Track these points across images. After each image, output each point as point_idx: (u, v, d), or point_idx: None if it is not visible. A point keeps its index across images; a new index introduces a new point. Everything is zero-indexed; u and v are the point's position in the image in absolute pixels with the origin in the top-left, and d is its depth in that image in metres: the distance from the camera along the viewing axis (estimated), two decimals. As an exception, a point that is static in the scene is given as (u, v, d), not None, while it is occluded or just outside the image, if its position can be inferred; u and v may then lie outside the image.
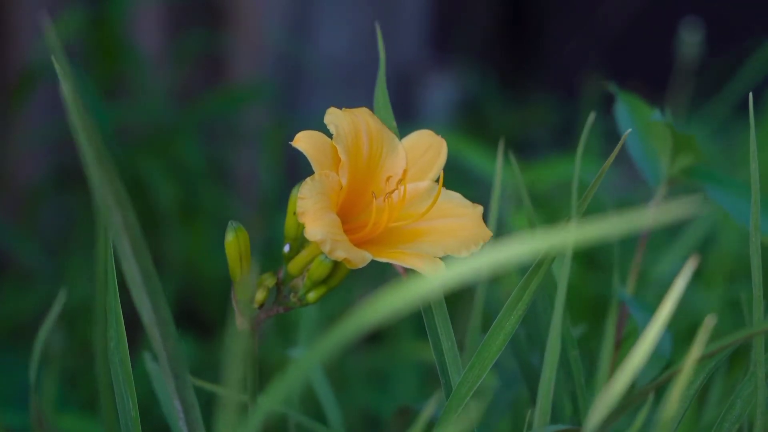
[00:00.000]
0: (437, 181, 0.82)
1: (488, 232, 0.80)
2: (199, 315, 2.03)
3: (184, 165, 2.13)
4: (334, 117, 0.78)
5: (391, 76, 2.88)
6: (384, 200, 0.79)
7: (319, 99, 2.66)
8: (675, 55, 2.23)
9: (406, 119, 2.89)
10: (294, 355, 1.09)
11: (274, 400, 0.60)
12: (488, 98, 3.14)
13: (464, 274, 0.56)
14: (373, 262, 0.75)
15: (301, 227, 0.79)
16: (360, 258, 0.74)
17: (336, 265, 0.77)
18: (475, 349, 0.92)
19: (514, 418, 1.16)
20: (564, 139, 2.91)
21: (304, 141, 0.77)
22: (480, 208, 0.81)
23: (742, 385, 0.80)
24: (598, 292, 1.64)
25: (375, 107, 0.86)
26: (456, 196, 0.82)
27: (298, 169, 2.45)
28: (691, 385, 0.80)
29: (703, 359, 0.78)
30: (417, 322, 1.79)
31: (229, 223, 0.78)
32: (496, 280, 1.44)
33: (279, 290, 0.80)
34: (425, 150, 0.83)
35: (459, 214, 0.81)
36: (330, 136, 0.78)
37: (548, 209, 1.81)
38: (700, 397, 1.18)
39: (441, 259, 0.78)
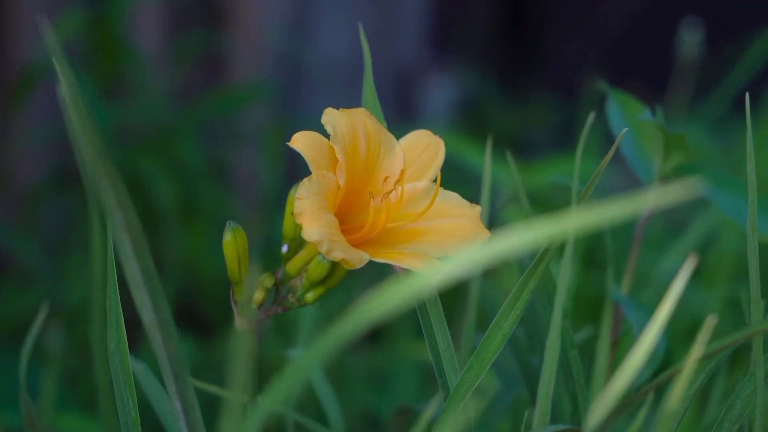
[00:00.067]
0: (435, 181, 0.82)
1: (486, 232, 0.80)
2: (199, 315, 2.03)
3: (184, 165, 2.13)
4: (331, 117, 0.78)
5: (391, 76, 2.88)
6: (381, 201, 0.79)
7: (319, 99, 2.66)
8: (675, 55, 2.23)
9: (406, 119, 2.89)
10: (293, 355, 1.09)
11: (274, 400, 0.60)
12: (488, 98, 3.14)
13: (458, 269, 0.56)
14: (371, 262, 0.75)
15: (299, 228, 0.79)
16: (357, 258, 0.74)
17: (334, 265, 0.77)
18: (470, 348, 0.92)
19: (514, 418, 1.16)
20: (564, 139, 2.91)
21: (301, 141, 0.76)
22: (478, 209, 0.81)
23: (742, 385, 0.80)
24: (598, 291, 1.64)
25: (363, 105, 0.86)
26: (454, 196, 0.81)
27: (298, 169, 2.45)
28: (692, 385, 0.80)
29: (703, 359, 0.78)
30: (416, 321, 1.79)
31: (227, 223, 0.78)
32: (494, 280, 1.44)
33: (277, 290, 0.80)
34: (423, 150, 0.83)
35: (457, 215, 0.81)
36: (327, 136, 0.78)
37: (548, 209, 1.81)
38: (700, 397, 1.18)
39: (439, 259, 0.78)
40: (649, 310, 0.95)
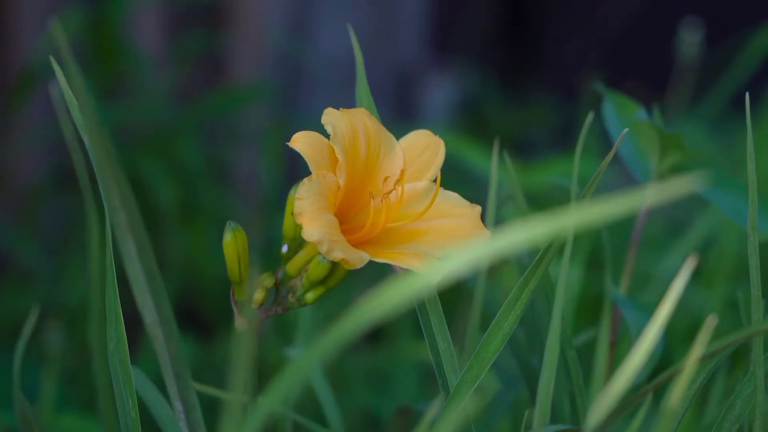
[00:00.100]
0: (435, 180, 0.82)
1: (486, 232, 0.80)
2: (199, 315, 2.03)
3: (184, 165, 2.13)
4: (331, 117, 0.78)
5: (391, 76, 2.88)
6: (382, 201, 0.79)
7: (319, 99, 2.66)
8: (675, 55, 2.23)
9: (406, 119, 2.89)
10: (291, 355, 1.09)
11: (274, 400, 0.60)
12: (488, 98, 3.14)
13: (458, 268, 0.56)
14: (371, 262, 0.75)
15: (299, 228, 0.79)
16: (358, 258, 0.74)
17: (334, 265, 0.77)
18: (473, 348, 0.92)
19: (514, 418, 1.16)
20: (564, 139, 2.91)
21: (301, 141, 0.76)
22: (478, 209, 0.81)
23: (742, 385, 0.80)
24: (600, 292, 1.64)
25: (357, 104, 0.86)
26: (454, 196, 0.81)
27: (298, 169, 2.45)
28: (691, 385, 0.80)
29: (703, 359, 0.78)
30: (416, 321, 1.79)
31: (228, 223, 0.78)
32: (495, 280, 1.44)
33: (278, 290, 0.80)
34: (423, 150, 0.83)
35: (457, 215, 0.81)
36: (327, 136, 0.78)
37: (548, 209, 1.81)
38: (700, 397, 1.18)
39: (439, 259, 0.78)
40: (649, 311, 0.95)
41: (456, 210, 0.81)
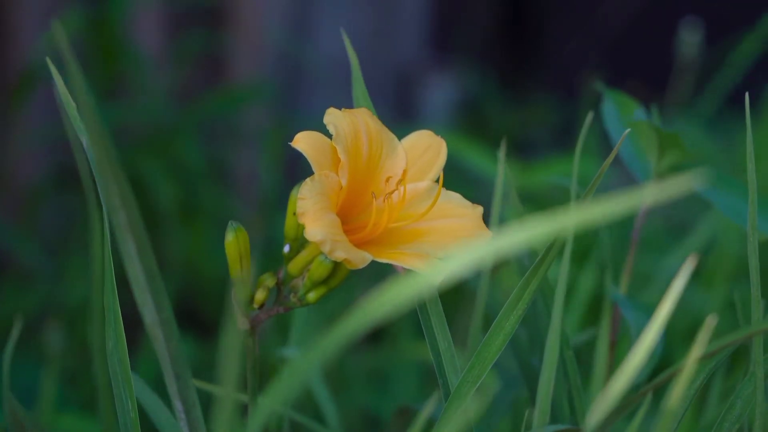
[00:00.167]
0: (437, 181, 0.82)
1: (488, 233, 0.80)
2: (199, 315, 2.03)
3: (184, 165, 2.13)
4: (333, 117, 0.78)
5: (391, 76, 2.88)
6: (384, 201, 0.79)
7: (319, 99, 2.66)
8: (675, 54, 2.23)
9: (406, 119, 2.89)
10: (287, 354, 1.09)
11: (274, 401, 0.60)
12: (488, 98, 3.14)
13: (459, 268, 0.56)
14: (372, 262, 0.75)
15: (301, 228, 0.79)
16: (360, 258, 0.74)
17: (336, 265, 0.77)
18: (476, 348, 0.92)
19: (515, 418, 1.16)
20: (564, 139, 2.91)
21: (303, 141, 0.76)
22: (480, 209, 0.81)
23: (742, 385, 0.80)
24: (598, 290, 1.64)
25: (354, 104, 0.86)
26: (456, 197, 0.82)
27: (298, 169, 2.45)
28: (691, 385, 0.80)
29: (703, 359, 0.78)
30: (417, 321, 1.79)
31: (229, 223, 0.78)
32: (495, 281, 1.44)
33: (279, 290, 0.80)
34: (424, 150, 0.83)
35: (459, 215, 0.81)
36: (329, 136, 0.78)
37: (548, 209, 1.81)
38: (700, 397, 1.18)
39: (441, 259, 0.78)
40: (649, 311, 0.95)
41: (458, 210, 0.81)
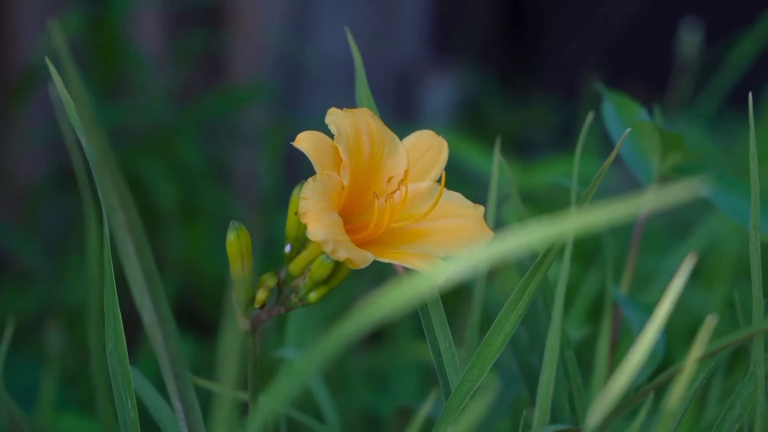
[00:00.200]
0: (438, 181, 0.82)
1: (490, 233, 0.80)
2: (199, 315, 2.03)
3: (184, 165, 2.13)
4: (335, 117, 0.78)
5: (391, 76, 2.88)
6: (385, 201, 0.79)
7: (319, 99, 2.66)
8: (675, 54, 2.23)
9: (406, 119, 2.89)
10: (284, 354, 1.09)
11: (275, 401, 0.60)
12: (488, 98, 3.14)
13: (462, 269, 0.56)
14: (372, 262, 0.75)
15: (302, 227, 0.79)
16: (362, 258, 0.74)
17: (337, 265, 0.77)
18: (473, 348, 0.92)
19: (515, 418, 1.16)
20: (564, 139, 2.91)
21: (305, 141, 0.76)
22: (481, 209, 0.81)
23: (742, 385, 0.80)
24: (600, 291, 1.64)
25: (357, 104, 0.86)
26: (457, 197, 0.82)
27: (298, 169, 2.45)
28: (691, 385, 0.80)
29: (703, 359, 0.78)
30: (417, 321, 1.79)
31: (231, 223, 0.78)
32: (496, 281, 1.44)
33: (280, 290, 0.80)
34: (426, 150, 0.83)
35: (461, 215, 0.81)
36: (331, 136, 0.78)
37: (549, 209, 1.81)
38: (700, 397, 1.18)
39: (443, 259, 0.78)
40: (650, 311, 0.95)
41: (459, 210, 0.81)
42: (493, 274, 1.30)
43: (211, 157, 2.32)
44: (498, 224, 1.45)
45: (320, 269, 0.77)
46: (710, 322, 0.66)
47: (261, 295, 0.79)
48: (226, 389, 0.60)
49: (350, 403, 1.67)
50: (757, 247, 0.79)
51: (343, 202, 0.78)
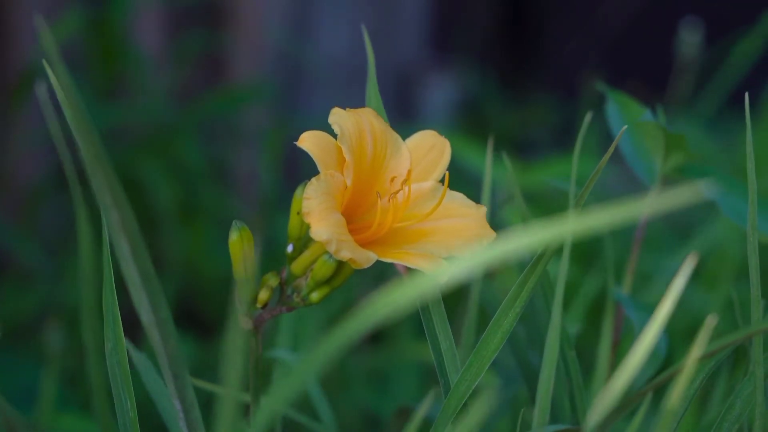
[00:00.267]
0: (441, 181, 0.82)
1: (492, 233, 0.80)
2: (199, 315, 2.03)
3: (184, 165, 2.13)
4: (338, 117, 0.78)
5: (391, 76, 2.88)
6: (388, 200, 0.79)
7: (320, 99, 2.66)
8: (675, 54, 2.23)
9: (406, 119, 2.89)
10: (277, 355, 1.08)
11: (277, 401, 0.60)
12: (488, 98, 3.14)
13: (464, 269, 0.56)
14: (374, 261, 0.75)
15: (304, 227, 0.79)
16: (365, 258, 0.74)
17: (339, 265, 0.77)
18: (470, 346, 0.92)
19: (514, 417, 1.16)
20: (564, 139, 2.91)
21: (309, 141, 0.77)
22: (484, 209, 0.81)
23: (742, 385, 0.80)
24: (600, 291, 1.64)
25: (367, 103, 0.86)
26: (459, 197, 0.82)
27: (298, 169, 2.45)
28: (691, 385, 0.80)
29: (703, 359, 0.78)
30: (417, 322, 1.79)
31: (233, 222, 0.78)
32: (495, 279, 1.44)
33: (282, 290, 0.80)
34: (428, 150, 0.83)
35: (463, 215, 0.81)
36: (334, 136, 0.78)
37: (549, 209, 1.81)
38: (700, 397, 1.18)
39: (445, 259, 0.78)
40: (652, 310, 0.95)
41: (462, 210, 0.81)
42: (494, 273, 1.30)
43: (211, 157, 2.32)
44: (500, 225, 1.45)
45: (323, 269, 0.77)
46: (710, 322, 0.66)
47: (263, 295, 0.79)
48: (229, 389, 0.60)
49: (350, 403, 1.67)
50: (755, 246, 0.79)
51: (346, 202, 0.78)
